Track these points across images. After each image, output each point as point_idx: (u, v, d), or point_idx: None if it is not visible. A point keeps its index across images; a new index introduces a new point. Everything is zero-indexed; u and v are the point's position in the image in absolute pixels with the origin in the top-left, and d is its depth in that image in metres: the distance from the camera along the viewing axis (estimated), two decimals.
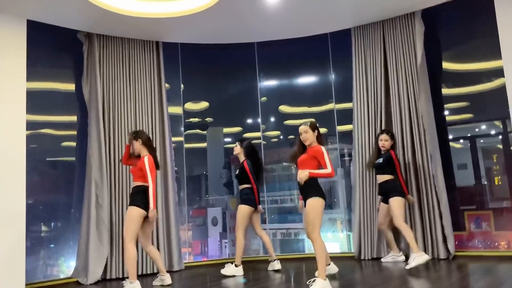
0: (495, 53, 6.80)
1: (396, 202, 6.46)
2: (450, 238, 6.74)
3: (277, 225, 8.86)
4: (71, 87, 7.48)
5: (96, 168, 6.74)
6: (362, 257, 7.30)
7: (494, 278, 5.51)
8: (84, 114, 7.16)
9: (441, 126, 7.41)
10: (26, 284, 6.12)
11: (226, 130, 9.24)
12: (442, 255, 6.72)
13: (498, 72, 6.90)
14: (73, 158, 7.55)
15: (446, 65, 7.70)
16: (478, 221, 7.19)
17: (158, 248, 7.12)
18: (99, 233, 6.60)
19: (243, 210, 6.69)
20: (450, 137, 7.68)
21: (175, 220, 7.41)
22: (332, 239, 8.40)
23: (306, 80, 9.04)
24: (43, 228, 7.33)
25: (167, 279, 5.99)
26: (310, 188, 5.09)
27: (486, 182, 7.45)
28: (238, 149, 6.95)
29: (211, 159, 9.08)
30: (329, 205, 8.89)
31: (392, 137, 6.78)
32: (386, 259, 6.95)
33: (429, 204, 6.91)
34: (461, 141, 7.87)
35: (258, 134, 8.79)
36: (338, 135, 8.33)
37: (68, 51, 7.46)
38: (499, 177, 7.40)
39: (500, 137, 7.49)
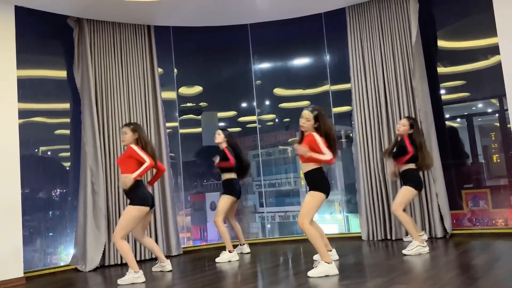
0: (490, 30, 6.76)
1: (405, 190, 6.03)
2: (447, 217, 6.78)
3: (275, 208, 8.88)
4: (62, 74, 7.40)
5: (91, 156, 6.72)
6: (371, 238, 7.28)
7: (490, 254, 5.56)
8: (76, 101, 7.12)
9: (437, 105, 7.37)
10: (25, 273, 6.13)
11: (221, 114, 9.18)
12: (439, 233, 6.78)
13: (494, 49, 6.86)
14: (68, 146, 7.53)
15: (441, 43, 7.63)
16: (476, 200, 7.21)
17: (156, 234, 7.14)
18: (96, 220, 6.61)
19: (227, 199, 6.77)
20: (447, 116, 7.66)
21: (171, 206, 7.41)
22: (331, 221, 8.42)
23: (301, 61, 8.94)
24: (41, 217, 7.32)
25: (168, 265, 6.00)
26: (315, 181, 5.03)
27: (483, 161, 7.45)
28: (221, 138, 6.85)
29: (206, 144, 9.04)
30: None
31: (412, 125, 6.12)
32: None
33: (426, 183, 6.91)
34: (458, 120, 7.84)
35: (254, 117, 8.77)
36: (334, 116, 8.28)
37: (59, 37, 7.37)
38: (497, 155, 7.41)
39: (497, 115, 7.45)
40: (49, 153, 7.64)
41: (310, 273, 4.91)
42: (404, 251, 5.84)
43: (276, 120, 9.10)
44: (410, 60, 7.13)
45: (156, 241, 6.99)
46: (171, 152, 7.98)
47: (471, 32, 7.44)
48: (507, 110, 6.80)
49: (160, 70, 7.87)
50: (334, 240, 6.63)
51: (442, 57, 7.65)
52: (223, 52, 8.89)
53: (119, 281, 5.37)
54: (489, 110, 7.75)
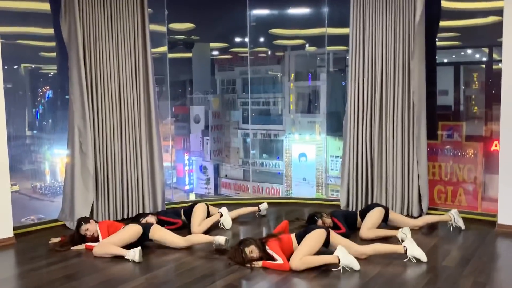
0: None
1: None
2: (425, 198, 6.91)
3: (258, 126, 9.18)
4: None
5: (79, 115, 6.49)
6: (350, 209, 7.32)
7: (465, 247, 5.65)
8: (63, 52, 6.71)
9: (431, 51, 7.26)
10: (14, 228, 6.11)
11: (212, 45, 8.95)
12: (416, 213, 6.90)
13: (496, 12, 6.77)
14: (54, 66, 7.44)
15: (444, 3, 7.31)
16: (451, 132, 7.44)
17: (141, 160, 7.16)
18: (84, 180, 6.55)
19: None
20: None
21: (155, 116, 7.33)
22: (310, 141, 8.80)
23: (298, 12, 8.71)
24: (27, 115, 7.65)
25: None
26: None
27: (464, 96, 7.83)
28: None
29: (196, 67, 8.96)
30: (309, 110, 9.17)
31: None
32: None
33: (409, 164, 6.98)
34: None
35: (246, 49, 8.60)
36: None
37: None
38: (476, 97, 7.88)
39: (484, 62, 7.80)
40: (33, 66, 7.78)
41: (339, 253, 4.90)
42: None
43: (269, 52, 8.95)
44: (410, 39, 6.81)
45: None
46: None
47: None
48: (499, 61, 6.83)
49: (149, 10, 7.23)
50: (311, 206, 6.91)
51: (442, 14, 7.34)
52: (218, 4, 8.37)
53: None
54: (477, 56, 8.04)
